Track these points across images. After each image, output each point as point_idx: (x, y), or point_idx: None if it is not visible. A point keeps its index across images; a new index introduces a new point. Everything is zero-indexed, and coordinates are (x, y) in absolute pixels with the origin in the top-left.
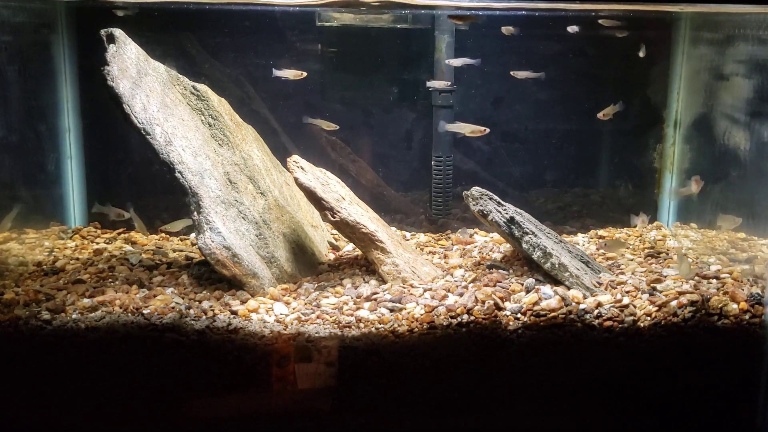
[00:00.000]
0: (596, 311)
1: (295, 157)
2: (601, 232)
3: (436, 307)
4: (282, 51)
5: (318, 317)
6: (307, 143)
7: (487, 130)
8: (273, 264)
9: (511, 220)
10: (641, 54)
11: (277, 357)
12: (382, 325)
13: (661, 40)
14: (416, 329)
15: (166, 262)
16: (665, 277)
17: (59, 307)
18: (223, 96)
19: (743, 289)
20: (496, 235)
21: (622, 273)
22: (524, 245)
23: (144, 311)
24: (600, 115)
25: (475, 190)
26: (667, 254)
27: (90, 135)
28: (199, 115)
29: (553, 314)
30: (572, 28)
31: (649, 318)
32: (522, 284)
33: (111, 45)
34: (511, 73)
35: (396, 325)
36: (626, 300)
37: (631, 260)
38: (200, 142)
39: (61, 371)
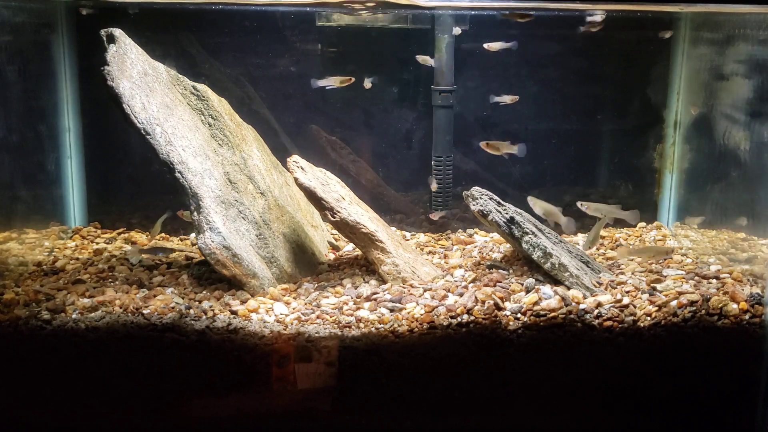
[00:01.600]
0: (596, 311)
1: (295, 157)
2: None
3: (436, 307)
4: (282, 51)
5: (318, 317)
6: (307, 143)
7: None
8: (273, 264)
9: (511, 220)
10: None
11: (277, 357)
12: (382, 325)
13: (661, 40)
14: (416, 329)
15: (166, 262)
16: (665, 277)
17: (59, 307)
18: (223, 96)
19: (743, 289)
20: (496, 235)
21: (622, 273)
22: (524, 245)
23: (144, 311)
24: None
25: (475, 190)
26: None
27: (90, 135)
28: (199, 115)
29: (553, 314)
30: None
31: (649, 318)
32: (522, 284)
33: (111, 45)
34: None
35: (396, 325)
36: (626, 300)
37: (631, 260)
38: (200, 142)
39: (61, 371)
